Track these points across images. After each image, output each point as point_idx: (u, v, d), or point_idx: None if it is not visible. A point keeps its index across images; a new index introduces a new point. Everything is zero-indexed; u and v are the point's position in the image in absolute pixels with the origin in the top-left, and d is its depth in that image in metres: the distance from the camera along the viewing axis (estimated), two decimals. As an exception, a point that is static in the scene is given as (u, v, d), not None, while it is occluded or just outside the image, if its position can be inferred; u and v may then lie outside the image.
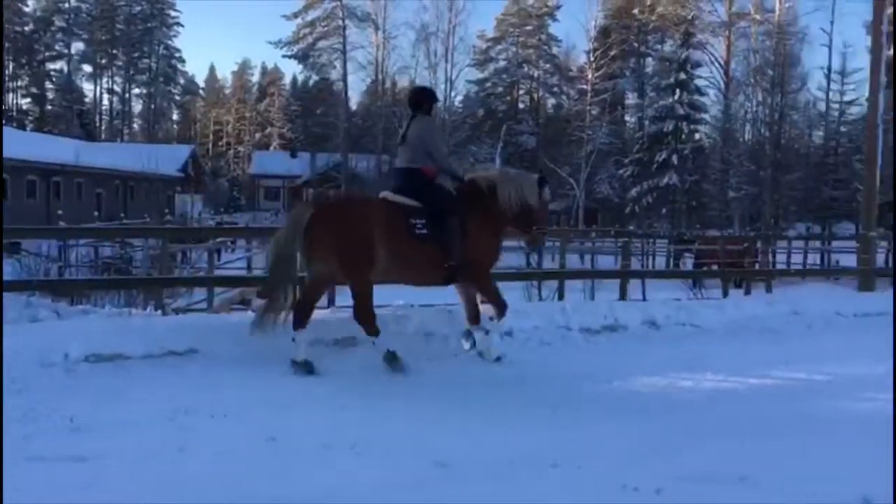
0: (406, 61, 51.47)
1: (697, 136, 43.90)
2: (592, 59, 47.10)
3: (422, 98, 6.84)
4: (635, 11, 49.26)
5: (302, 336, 6.06)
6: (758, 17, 43.67)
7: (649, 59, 52.52)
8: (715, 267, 16.72)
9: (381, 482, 3.80)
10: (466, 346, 6.81)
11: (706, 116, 45.22)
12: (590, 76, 46.97)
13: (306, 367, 5.96)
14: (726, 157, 40.65)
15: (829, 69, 43.19)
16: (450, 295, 7.13)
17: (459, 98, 56.32)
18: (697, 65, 43.56)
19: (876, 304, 10.33)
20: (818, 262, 26.81)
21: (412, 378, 5.96)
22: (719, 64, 44.62)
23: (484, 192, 6.67)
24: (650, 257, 23.72)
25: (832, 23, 41.89)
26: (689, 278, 16.11)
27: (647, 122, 46.35)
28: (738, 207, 40.14)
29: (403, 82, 53.68)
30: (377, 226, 6.07)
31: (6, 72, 58.32)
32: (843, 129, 43.87)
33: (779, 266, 22.05)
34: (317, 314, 7.56)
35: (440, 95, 49.11)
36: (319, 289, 6.46)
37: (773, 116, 40.10)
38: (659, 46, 51.22)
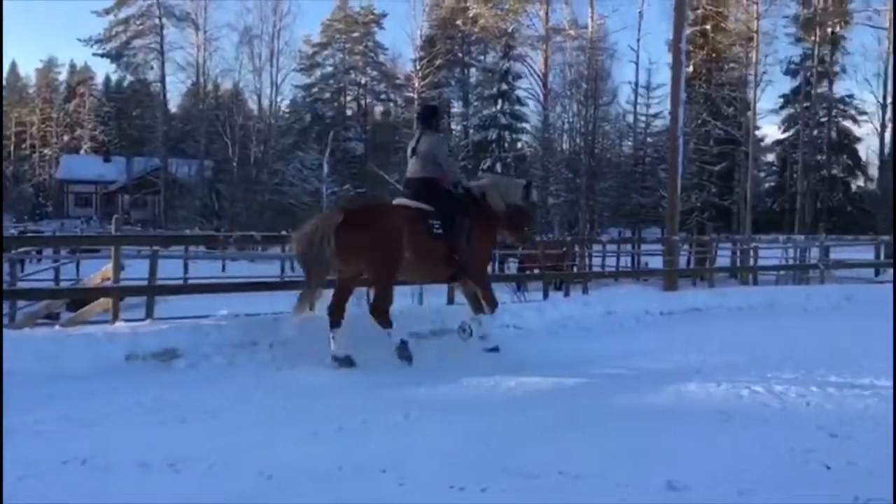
0: (229, 64, 49.96)
1: (519, 144, 45.75)
2: (418, 67, 47.93)
3: (431, 115, 7.63)
4: (459, 23, 50.50)
5: (338, 333, 6.62)
6: (572, 32, 45.96)
7: (473, 70, 53.96)
8: (537, 270, 17.43)
9: (203, 497, 3.65)
10: (464, 338, 7.45)
11: (527, 126, 47.25)
12: (416, 84, 47.75)
13: (348, 362, 6.54)
14: (546, 165, 42.43)
15: (637, 84, 46.24)
16: (274, 303, 6.99)
17: (286, 103, 55.47)
18: (518, 76, 45.41)
19: (679, 302, 11.14)
20: (629, 264, 28.66)
21: (235, 389, 5.77)
22: (538, 76, 46.58)
23: (478, 200, 7.41)
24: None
25: (639, 41, 45.00)
26: (512, 281, 16.69)
27: (472, 131, 47.67)
28: (557, 213, 41.98)
29: (227, 85, 52.15)
30: (405, 228, 6.72)
31: None
32: (649, 139, 46.80)
33: (594, 269, 23.33)
34: (133, 326, 7.19)
35: (265, 101, 48.15)
36: (350, 288, 6.94)
37: (587, 127, 42.14)
38: (482, 57, 52.74)
